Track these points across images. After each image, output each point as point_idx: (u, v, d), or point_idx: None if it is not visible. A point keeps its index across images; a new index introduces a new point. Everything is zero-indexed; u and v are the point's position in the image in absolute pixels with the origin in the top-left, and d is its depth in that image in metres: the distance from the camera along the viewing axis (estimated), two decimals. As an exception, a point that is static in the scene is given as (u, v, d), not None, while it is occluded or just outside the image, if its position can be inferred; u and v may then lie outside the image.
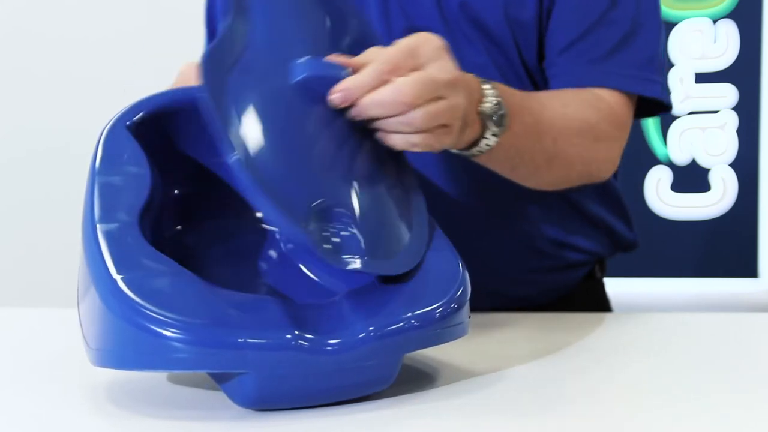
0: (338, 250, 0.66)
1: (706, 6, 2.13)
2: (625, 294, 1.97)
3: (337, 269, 0.72)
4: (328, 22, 0.79)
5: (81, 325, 0.68)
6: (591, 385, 0.72)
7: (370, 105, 0.68)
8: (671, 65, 2.14)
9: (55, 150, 2.27)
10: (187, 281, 0.64)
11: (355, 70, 0.69)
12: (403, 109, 0.68)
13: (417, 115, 0.69)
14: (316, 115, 0.71)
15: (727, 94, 2.11)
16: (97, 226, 0.67)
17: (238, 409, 0.65)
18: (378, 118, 0.70)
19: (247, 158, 0.64)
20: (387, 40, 0.97)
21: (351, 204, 0.69)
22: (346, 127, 0.72)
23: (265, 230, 0.83)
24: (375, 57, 0.70)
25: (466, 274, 0.71)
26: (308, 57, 0.72)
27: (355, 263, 0.66)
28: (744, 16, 2.10)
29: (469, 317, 0.71)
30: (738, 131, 2.11)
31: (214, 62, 0.68)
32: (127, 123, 0.78)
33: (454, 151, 0.81)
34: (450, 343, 0.69)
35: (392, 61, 0.69)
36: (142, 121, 0.79)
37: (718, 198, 2.12)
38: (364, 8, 0.98)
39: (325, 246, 0.65)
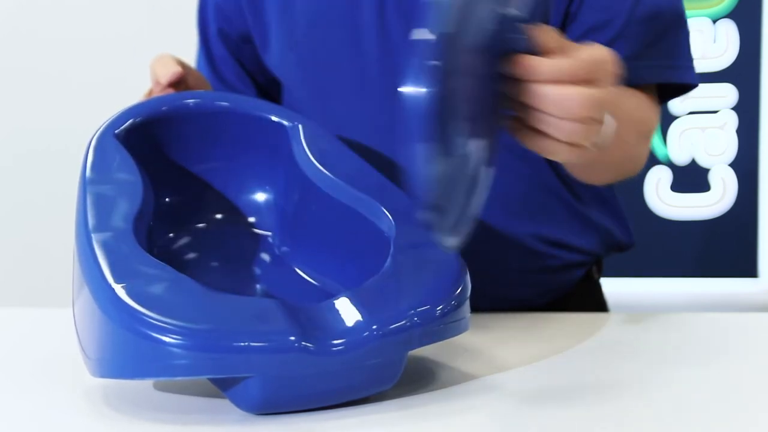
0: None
1: (706, 6, 2.13)
2: (624, 294, 1.97)
3: (331, 269, 0.72)
4: None
5: (78, 336, 0.68)
6: (590, 385, 0.72)
7: (553, 98, 0.65)
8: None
9: (55, 150, 2.27)
10: (186, 286, 0.63)
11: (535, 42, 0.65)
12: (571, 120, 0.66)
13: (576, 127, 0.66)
14: None
15: (727, 94, 2.11)
16: (92, 235, 0.67)
17: (240, 412, 0.65)
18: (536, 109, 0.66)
19: None
20: (381, 41, 0.97)
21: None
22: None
23: (257, 234, 0.83)
24: (569, 53, 0.66)
25: (466, 270, 0.71)
26: None
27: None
28: (744, 16, 2.10)
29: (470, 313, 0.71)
30: (738, 131, 2.11)
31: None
32: (116, 131, 0.78)
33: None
34: (449, 344, 0.69)
35: (575, 70, 0.66)
36: (130, 128, 0.79)
37: (718, 198, 2.12)
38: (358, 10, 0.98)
39: None
